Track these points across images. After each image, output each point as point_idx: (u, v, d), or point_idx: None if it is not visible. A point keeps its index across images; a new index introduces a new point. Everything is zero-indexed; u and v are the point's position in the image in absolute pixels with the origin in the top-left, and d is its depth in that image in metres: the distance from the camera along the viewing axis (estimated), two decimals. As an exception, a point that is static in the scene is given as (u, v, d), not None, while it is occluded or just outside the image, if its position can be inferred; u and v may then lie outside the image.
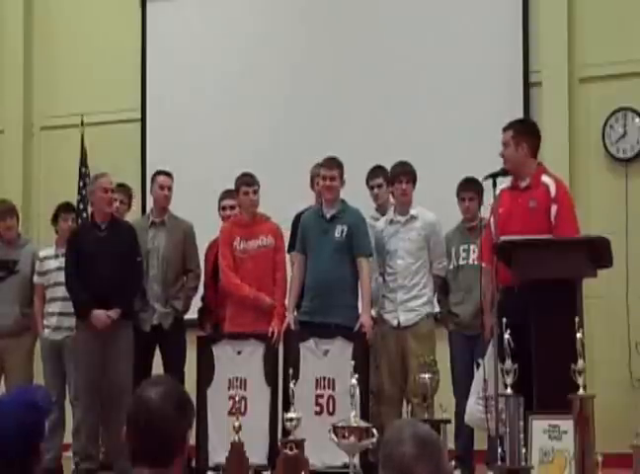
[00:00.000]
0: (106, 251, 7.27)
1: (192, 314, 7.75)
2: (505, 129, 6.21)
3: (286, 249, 7.32)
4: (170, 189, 7.74)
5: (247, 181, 7.21)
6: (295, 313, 7.06)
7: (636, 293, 7.97)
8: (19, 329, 7.82)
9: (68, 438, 7.62)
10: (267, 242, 7.19)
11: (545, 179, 6.09)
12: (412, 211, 7.09)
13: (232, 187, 7.43)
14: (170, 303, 7.55)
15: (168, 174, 7.79)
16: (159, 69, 9.63)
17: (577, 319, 4.90)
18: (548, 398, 5.30)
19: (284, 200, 7.68)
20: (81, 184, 9.40)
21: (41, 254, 7.94)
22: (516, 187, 6.11)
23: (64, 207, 8.03)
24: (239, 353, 7.01)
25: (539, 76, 8.48)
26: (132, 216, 8.20)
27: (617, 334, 7.96)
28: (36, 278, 7.87)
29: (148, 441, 2.65)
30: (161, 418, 2.64)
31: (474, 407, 5.97)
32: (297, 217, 7.42)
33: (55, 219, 8.02)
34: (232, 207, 7.61)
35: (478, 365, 6.08)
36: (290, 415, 5.51)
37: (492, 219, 6.11)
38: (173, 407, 2.67)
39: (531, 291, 5.55)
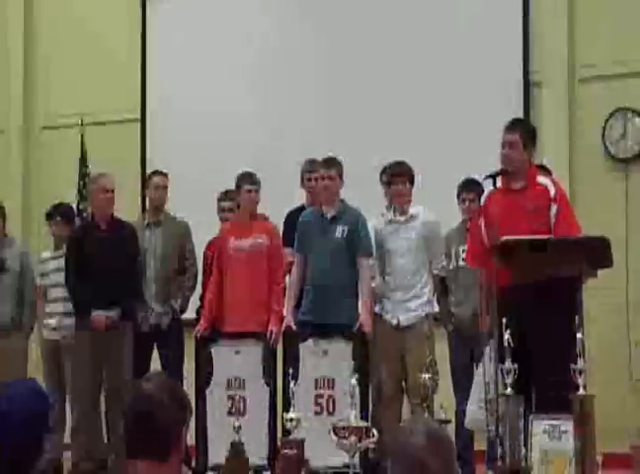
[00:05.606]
0: (106, 251, 7.27)
1: (191, 314, 7.74)
2: (510, 129, 6.00)
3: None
4: (165, 189, 7.75)
5: (250, 179, 7.20)
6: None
7: (636, 293, 7.96)
8: (13, 326, 7.80)
9: (67, 438, 7.62)
10: (261, 241, 7.16)
11: (542, 179, 6.05)
12: (412, 210, 7.07)
13: (232, 187, 7.42)
14: (167, 303, 7.55)
15: (163, 174, 7.80)
16: (159, 69, 9.64)
17: (577, 319, 4.89)
18: (548, 398, 5.30)
19: (284, 200, 7.68)
20: (81, 184, 9.41)
21: (43, 255, 7.99)
22: (508, 188, 6.01)
23: (48, 214, 8.02)
24: (237, 352, 7.00)
25: (539, 76, 8.47)
26: (132, 216, 8.18)
27: (617, 334, 7.95)
28: (38, 280, 7.90)
29: (146, 431, 2.69)
30: (159, 406, 2.70)
31: (477, 411, 5.94)
32: (289, 216, 7.46)
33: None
34: (231, 210, 7.60)
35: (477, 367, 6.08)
36: (290, 415, 5.51)
37: (482, 220, 6.08)
38: (169, 398, 2.74)
39: (531, 291, 5.54)
